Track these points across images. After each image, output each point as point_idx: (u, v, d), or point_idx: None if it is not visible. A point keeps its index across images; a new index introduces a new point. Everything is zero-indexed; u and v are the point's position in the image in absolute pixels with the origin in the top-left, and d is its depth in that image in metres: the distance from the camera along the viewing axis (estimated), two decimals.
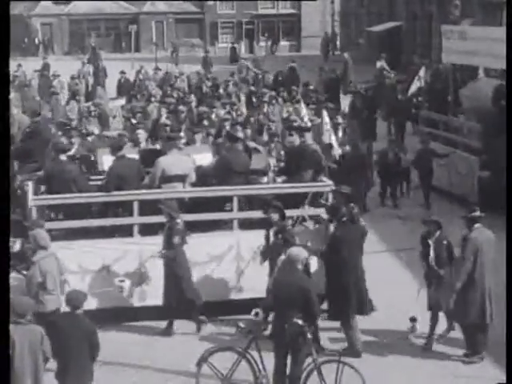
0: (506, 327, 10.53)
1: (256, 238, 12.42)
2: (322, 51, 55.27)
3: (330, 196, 13.07)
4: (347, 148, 19.09)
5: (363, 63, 42.57)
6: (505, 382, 9.51)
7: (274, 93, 26.20)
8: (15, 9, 55.23)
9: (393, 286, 13.76)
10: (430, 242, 11.70)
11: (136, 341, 12.19)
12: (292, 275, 10.14)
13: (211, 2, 65.70)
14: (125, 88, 31.16)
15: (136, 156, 14.20)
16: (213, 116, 23.16)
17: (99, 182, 13.30)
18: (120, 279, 12.29)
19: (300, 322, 9.89)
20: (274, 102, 24.07)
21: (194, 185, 13.42)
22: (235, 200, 12.90)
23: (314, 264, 12.25)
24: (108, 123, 23.35)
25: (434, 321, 11.86)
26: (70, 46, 63.07)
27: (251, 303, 11.09)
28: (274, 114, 22.71)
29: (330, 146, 18.32)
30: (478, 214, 11.52)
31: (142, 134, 16.47)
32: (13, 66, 27.84)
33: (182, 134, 21.20)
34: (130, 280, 12.33)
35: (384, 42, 48.33)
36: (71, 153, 15.25)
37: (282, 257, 11.23)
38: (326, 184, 13.36)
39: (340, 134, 20.68)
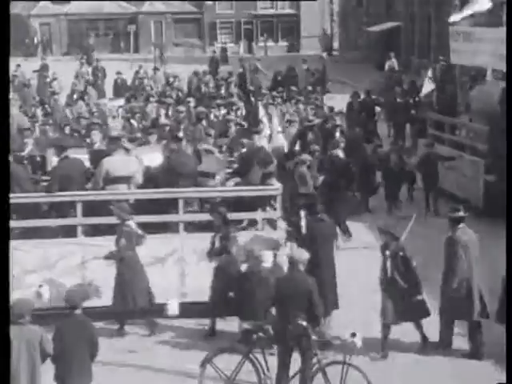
0: (505, 327, 10.53)
1: (201, 242, 12.43)
2: (325, 48, 55.04)
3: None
4: (338, 152, 19.06)
5: (362, 63, 42.71)
6: (505, 382, 9.52)
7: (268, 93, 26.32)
8: (14, 9, 55.16)
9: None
10: (387, 252, 11.57)
11: None
12: (295, 276, 10.17)
13: (210, 2, 65.69)
14: (121, 88, 31.19)
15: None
16: (211, 116, 23.22)
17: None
18: (40, 284, 11.99)
19: (304, 323, 9.90)
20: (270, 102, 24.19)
21: (142, 186, 13.35)
22: (180, 202, 12.87)
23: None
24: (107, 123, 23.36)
25: (385, 332, 11.68)
26: (69, 46, 63.02)
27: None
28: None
29: (283, 147, 18.37)
30: (461, 214, 11.73)
31: (96, 135, 16.26)
32: (12, 66, 27.85)
33: (181, 134, 21.36)
34: (48, 285, 12.00)
35: (383, 43, 48.36)
36: (24, 153, 15.25)
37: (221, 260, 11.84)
38: (273, 188, 13.43)
39: (337, 134, 20.68)
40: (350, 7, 59.76)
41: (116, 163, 13.10)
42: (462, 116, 20.88)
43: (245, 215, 13.11)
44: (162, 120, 22.36)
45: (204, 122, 22.06)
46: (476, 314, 11.61)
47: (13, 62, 24.49)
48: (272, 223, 13.21)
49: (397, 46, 47.78)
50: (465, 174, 19.12)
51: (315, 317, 10.06)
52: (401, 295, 11.47)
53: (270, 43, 63.65)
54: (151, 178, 13.57)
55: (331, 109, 24.56)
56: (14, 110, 23.85)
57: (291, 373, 10.14)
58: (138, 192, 13.13)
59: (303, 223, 12.15)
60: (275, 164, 14.84)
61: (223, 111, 23.53)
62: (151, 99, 26.45)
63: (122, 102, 26.52)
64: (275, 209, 13.16)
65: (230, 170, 14.73)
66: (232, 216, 12.61)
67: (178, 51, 62.20)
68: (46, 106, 26.10)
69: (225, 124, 21.67)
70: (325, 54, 38.10)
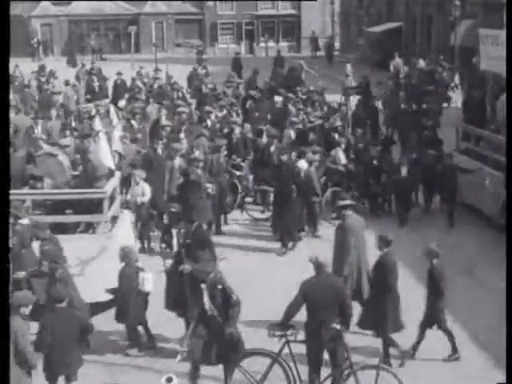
0: (506, 327, 10.53)
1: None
2: (327, 54, 54.74)
3: None
4: (338, 152, 19.02)
5: (362, 64, 42.64)
6: (505, 382, 9.52)
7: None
8: (14, 10, 55.18)
9: None
10: (205, 287, 11.13)
11: None
12: (325, 279, 10.07)
13: (211, 3, 65.66)
14: (120, 89, 31.16)
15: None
16: (212, 117, 23.25)
17: None
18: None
19: (337, 326, 9.82)
20: None
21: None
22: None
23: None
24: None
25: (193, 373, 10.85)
26: (70, 47, 62.99)
27: None
28: None
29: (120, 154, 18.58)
30: (348, 202, 12.52)
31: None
32: (12, 66, 27.85)
33: (182, 135, 21.40)
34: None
35: (383, 43, 48.32)
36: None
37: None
38: (98, 191, 13.71)
39: (336, 136, 20.61)
40: (350, 8, 59.73)
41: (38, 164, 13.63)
42: (490, 126, 19.83)
43: (74, 218, 13.43)
44: (163, 121, 22.43)
45: (208, 122, 22.18)
46: (365, 295, 12.10)
47: (13, 63, 24.47)
48: None
49: (398, 47, 47.75)
50: (486, 188, 18.02)
51: (347, 318, 9.99)
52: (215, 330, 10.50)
53: (271, 44, 63.58)
54: None
55: (334, 110, 24.49)
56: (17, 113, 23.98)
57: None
58: None
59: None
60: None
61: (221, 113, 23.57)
62: (151, 100, 26.50)
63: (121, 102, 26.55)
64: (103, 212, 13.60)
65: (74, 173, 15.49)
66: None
67: (179, 52, 62.19)
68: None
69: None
70: (302, 61, 37.42)
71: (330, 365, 10.06)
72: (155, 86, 30.11)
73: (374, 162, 19.19)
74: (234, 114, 23.75)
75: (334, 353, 9.91)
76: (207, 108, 23.89)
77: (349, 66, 35.47)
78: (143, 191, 17.13)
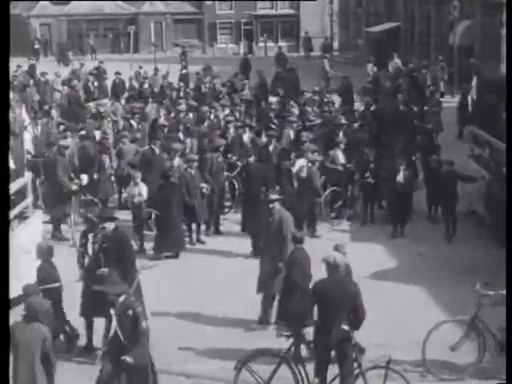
0: (505, 327, 10.52)
1: None
2: (324, 55, 53.66)
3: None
4: (338, 153, 18.92)
5: (361, 64, 42.56)
6: (505, 382, 9.51)
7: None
8: (14, 9, 55.10)
9: None
10: (113, 312, 9.93)
11: None
12: (337, 280, 10.01)
13: (210, 3, 65.61)
14: (119, 89, 31.17)
15: None
16: (211, 116, 23.24)
17: None
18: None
19: (346, 327, 9.77)
20: None
21: None
22: None
23: None
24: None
25: None
26: (69, 47, 62.91)
27: None
28: None
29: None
30: (274, 197, 13.30)
31: None
32: (12, 66, 27.83)
33: (180, 134, 21.41)
34: None
35: (382, 43, 48.31)
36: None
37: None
38: None
39: (341, 134, 20.59)
40: (349, 7, 59.70)
41: None
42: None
43: None
44: (161, 121, 22.43)
45: (206, 123, 22.15)
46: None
47: (13, 63, 24.39)
48: None
49: (397, 47, 47.78)
50: (490, 196, 17.26)
51: (358, 320, 9.92)
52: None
53: (270, 43, 63.54)
54: None
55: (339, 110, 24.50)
56: (18, 110, 23.93)
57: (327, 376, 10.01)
58: None
59: None
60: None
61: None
62: (150, 100, 26.52)
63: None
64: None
65: None
66: None
67: (178, 52, 62.11)
68: (46, 106, 26.13)
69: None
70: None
71: (338, 365, 9.99)
72: (145, 86, 30.14)
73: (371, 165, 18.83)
74: (237, 114, 23.70)
75: (342, 353, 9.86)
76: (205, 108, 23.89)
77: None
78: (140, 191, 17.18)
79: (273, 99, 27.05)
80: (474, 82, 23.53)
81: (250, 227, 16.97)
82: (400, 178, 17.84)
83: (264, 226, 13.50)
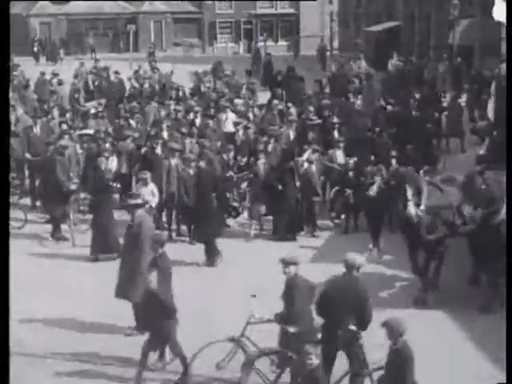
0: (505, 327, 10.53)
1: None
2: (320, 58, 50.62)
3: None
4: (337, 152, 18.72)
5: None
6: (505, 381, 9.51)
7: None
8: (13, 8, 55.09)
9: None
10: None
11: None
12: (349, 282, 9.99)
13: (210, 2, 65.61)
14: (119, 88, 31.13)
15: None
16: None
17: None
18: None
19: (354, 328, 9.75)
20: None
21: None
22: None
23: None
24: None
25: None
26: (69, 46, 62.92)
27: None
28: None
29: None
30: (133, 202, 12.92)
31: None
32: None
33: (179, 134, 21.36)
34: None
35: (382, 42, 48.30)
36: None
37: None
38: None
39: (336, 133, 20.58)
40: (349, 7, 59.73)
41: None
42: None
43: None
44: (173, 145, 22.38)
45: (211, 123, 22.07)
46: None
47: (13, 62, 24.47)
48: None
49: (396, 46, 47.80)
50: None
51: (364, 322, 9.88)
52: None
53: (270, 43, 63.56)
54: None
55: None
56: (20, 110, 23.97)
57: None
58: None
59: None
60: None
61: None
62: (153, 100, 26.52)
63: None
64: None
65: None
66: None
67: (178, 51, 62.16)
68: (45, 106, 26.15)
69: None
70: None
71: (349, 366, 9.96)
72: (145, 86, 30.12)
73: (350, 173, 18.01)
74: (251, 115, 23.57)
75: (349, 354, 9.84)
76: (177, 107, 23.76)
77: None
78: (153, 192, 16.98)
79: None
80: (492, 90, 19.82)
81: (199, 234, 16.55)
82: (372, 190, 16.42)
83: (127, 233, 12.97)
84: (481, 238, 13.20)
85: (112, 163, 18.60)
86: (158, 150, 18.82)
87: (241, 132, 20.95)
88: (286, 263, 10.43)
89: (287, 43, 64.97)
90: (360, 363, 9.87)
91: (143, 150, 19.63)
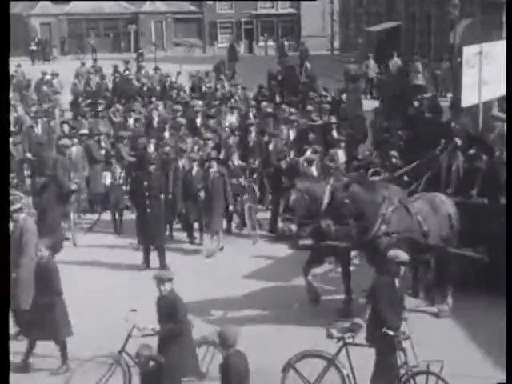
0: (506, 327, 10.52)
1: None
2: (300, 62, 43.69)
3: None
4: (338, 152, 18.70)
5: (362, 63, 42.45)
6: (505, 381, 9.50)
7: None
8: (14, 8, 55.14)
9: None
10: None
11: None
12: (379, 280, 10.01)
13: (210, 2, 65.65)
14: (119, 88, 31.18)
15: None
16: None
17: None
18: None
19: (387, 330, 9.58)
20: None
21: None
22: None
23: None
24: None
25: None
26: (69, 46, 62.99)
27: None
28: None
29: None
30: (18, 206, 12.62)
31: None
32: (13, 65, 27.85)
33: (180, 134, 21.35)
34: None
35: (383, 42, 48.29)
36: None
37: None
38: None
39: (334, 133, 20.53)
40: (350, 7, 59.72)
41: None
42: None
43: None
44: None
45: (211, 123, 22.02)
46: None
47: (12, 62, 24.43)
48: None
49: (397, 46, 47.78)
50: None
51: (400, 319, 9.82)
52: None
53: (271, 43, 63.61)
54: None
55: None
56: (21, 111, 23.97)
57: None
58: None
59: None
60: None
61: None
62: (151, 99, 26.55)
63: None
64: None
65: None
66: None
67: (178, 51, 62.20)
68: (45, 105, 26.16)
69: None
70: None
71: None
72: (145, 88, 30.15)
73: None
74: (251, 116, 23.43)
75: (383, 355, 9.66)
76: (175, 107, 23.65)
77: None
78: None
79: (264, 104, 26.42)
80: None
81: (145, 237, 16.21)
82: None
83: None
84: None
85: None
86: (151, 149, 18.85)
87: (253, 134, 20.25)
88: (160, 280, 9.97)
89: (287, 43, 64.99)
90: (397, 366, 9.65)
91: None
